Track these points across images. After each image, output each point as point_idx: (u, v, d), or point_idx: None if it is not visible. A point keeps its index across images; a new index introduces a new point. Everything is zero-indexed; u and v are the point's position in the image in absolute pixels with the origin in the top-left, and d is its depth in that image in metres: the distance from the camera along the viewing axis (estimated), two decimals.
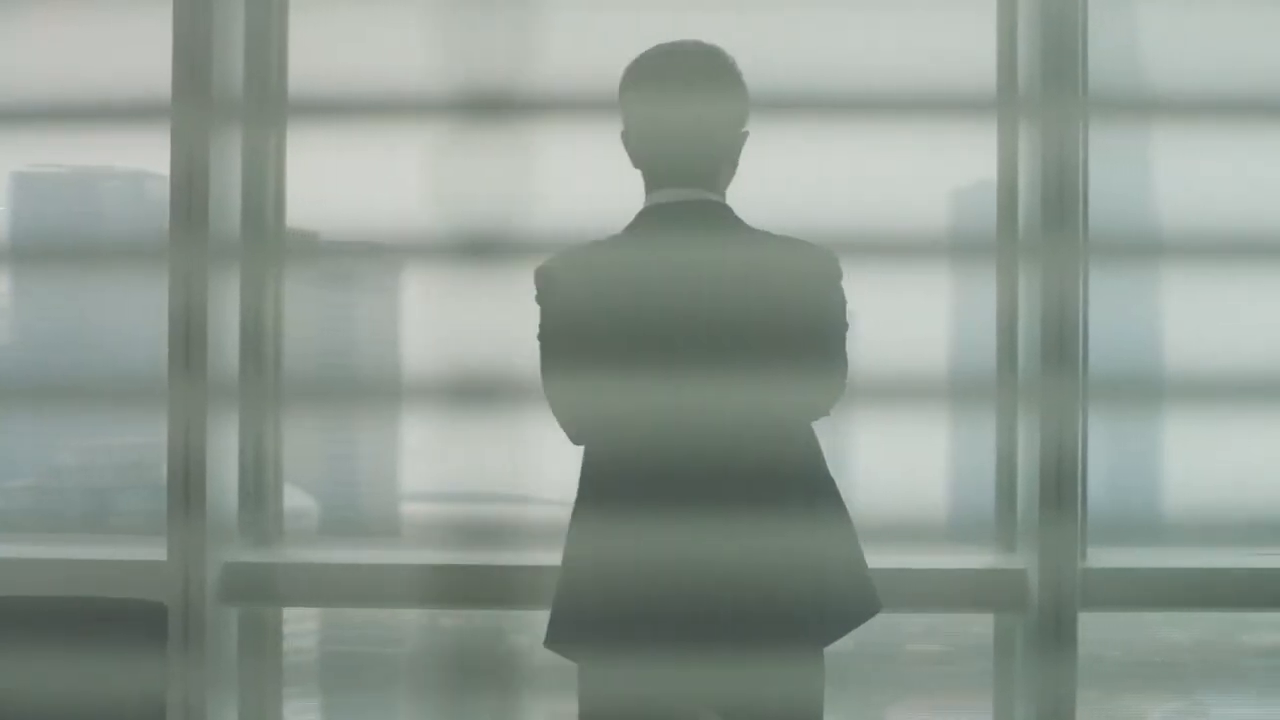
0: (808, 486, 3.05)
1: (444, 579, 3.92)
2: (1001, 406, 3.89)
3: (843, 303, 3.08)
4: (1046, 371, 3.73)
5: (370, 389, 4.26)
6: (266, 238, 4.10)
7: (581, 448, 3.11)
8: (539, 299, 3.07)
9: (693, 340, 2.98)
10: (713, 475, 2.98)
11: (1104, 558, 3.83)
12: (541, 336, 3.07)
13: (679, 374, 2.98)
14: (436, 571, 3.91)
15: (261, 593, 3.95)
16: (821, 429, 3.13)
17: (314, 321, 4.22)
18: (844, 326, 3.09)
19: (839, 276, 3.07)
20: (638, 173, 3.15)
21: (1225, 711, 4.14)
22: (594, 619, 3.02)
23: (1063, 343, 3.73)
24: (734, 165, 3.12)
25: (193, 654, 3.85)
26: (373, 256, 4.23)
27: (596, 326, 3.00)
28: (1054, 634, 3.73)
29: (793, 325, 3.00)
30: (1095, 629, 3.90)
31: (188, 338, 3.87)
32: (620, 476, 3.02)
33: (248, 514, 4.06)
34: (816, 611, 3.02)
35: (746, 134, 3.11)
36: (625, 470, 3.02)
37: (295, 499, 4.26)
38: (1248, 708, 4.12)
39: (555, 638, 3.09)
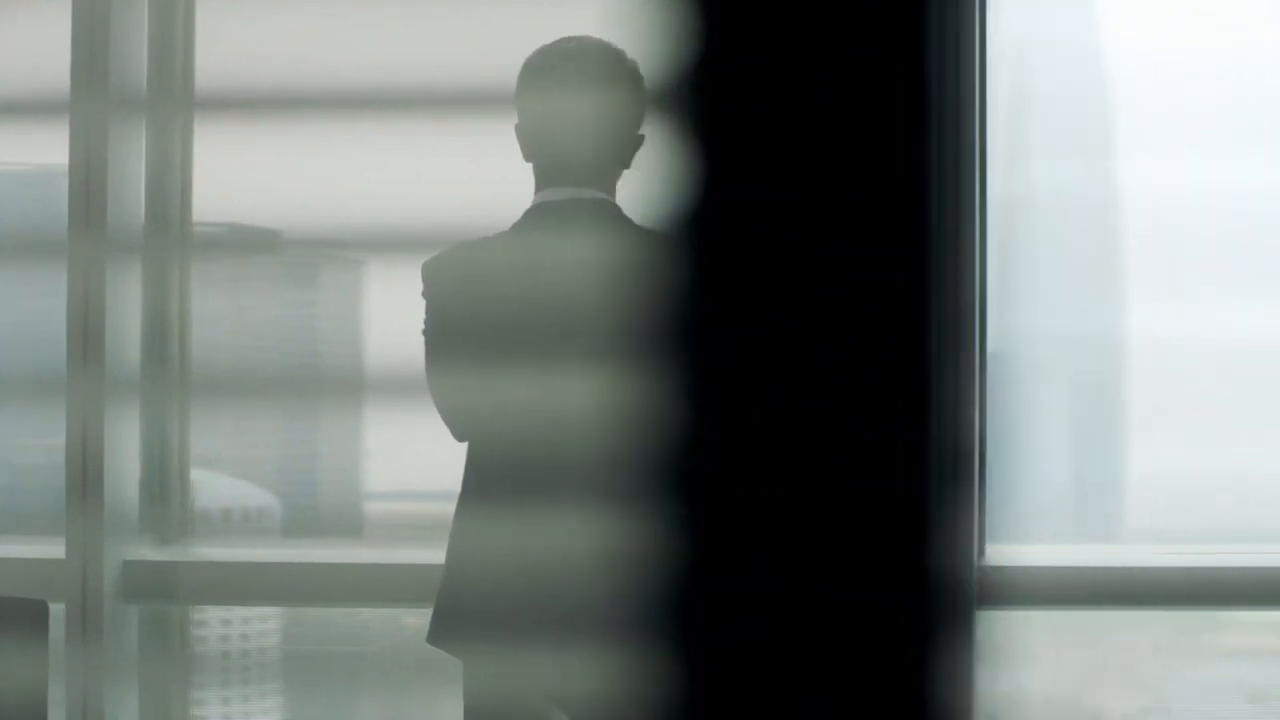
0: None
1: (346, 576, 3.91)
2: None
3: None
4: None
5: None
6: (170, 232, 4.09)
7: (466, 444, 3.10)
8: (424, 294, 3.07)
9: (575, 338, 2.97)
10: (593, 472, 2.96)
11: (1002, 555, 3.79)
12: (426, 332, 3.07)
13: (560, 371, 2.96)
14: (339, 570, 3.90)
15: (162, 591, 3.93)
16: None
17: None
18: None
19: None
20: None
21: (1189, 710, 4.11)
22: (474, 615, 3.02)
23: None
24: (627, 166, 3.10)
25: (91, 653, 3.83)
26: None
27: (479, 323, 3.00)
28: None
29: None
30: (1062, 627, 3.90)
31: (85, 331, 3.85)
32: (501, 473, 3.01)
33: (151, 511, 4.05)
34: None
35: (643, 137, 3.09)
36: (506, 466, 3.01)
37: (258, 498, 4.25)
38: (1211, 706, 4.09)
39: (437, 634, 3.08)
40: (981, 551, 3.83)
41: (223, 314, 4.14)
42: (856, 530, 0.81)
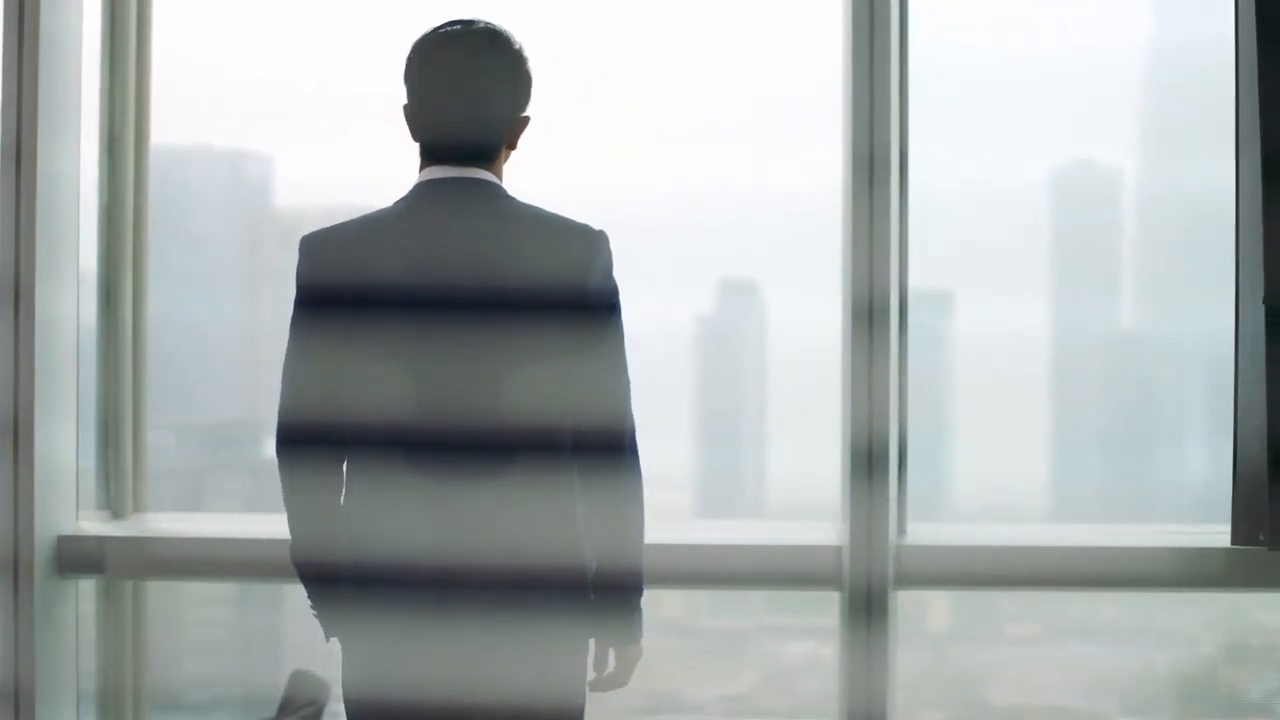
0: (570, 472, 3.02)
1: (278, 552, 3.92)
2: None
3: (603, 283, 3.01)
4: None
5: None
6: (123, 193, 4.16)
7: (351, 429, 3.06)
8: (303, 269, 3.03)
9: (449, 319, 2.96)
10: (472, 460, 2.95)
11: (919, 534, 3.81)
12: (301, 305, 3.02)
13: (435, 354, 2.96)
14: (273, 546, 3.92)
15: (95, 565, 3.95)
16: None
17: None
18: (606, 308, 3.03)
19: (604, 256, 3.02)
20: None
21: None
22: (353, 600, 3.01)
23: None
24: (512, 147, 3.12)
25: (22, 628, 3.86)
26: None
27: (354, 301, 2.98)
28: (865, 610, 3.70)
29: (550, 304, 2.97)
30: (1194, 610, 3.96)
31: (17, 306, 3.88)
32: (380, 458, 2.99)
33: (103, 485, 4.10)
34: (577, 600, 3.00)
35: (527, 119, 3.11)
36: (385, 452, 2.99)
37: None
38: None
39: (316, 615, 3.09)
40: (902, 531, 3.85)
41: None
42: None
